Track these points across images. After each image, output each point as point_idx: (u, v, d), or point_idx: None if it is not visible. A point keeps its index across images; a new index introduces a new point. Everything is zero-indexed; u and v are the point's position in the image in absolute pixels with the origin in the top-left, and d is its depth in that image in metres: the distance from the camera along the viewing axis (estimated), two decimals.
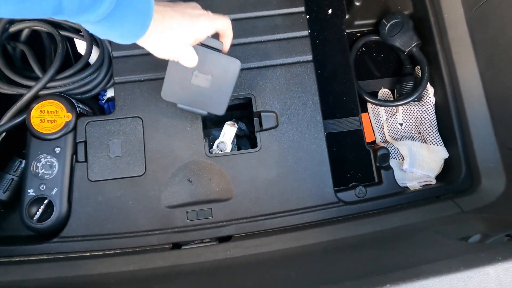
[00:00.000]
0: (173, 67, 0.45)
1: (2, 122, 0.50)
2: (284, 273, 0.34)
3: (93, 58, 0.54)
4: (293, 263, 0.37)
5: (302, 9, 0.53)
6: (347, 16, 0.59)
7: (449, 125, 0.53)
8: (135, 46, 0.50)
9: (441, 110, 0.55)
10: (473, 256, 0.26)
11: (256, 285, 0.34)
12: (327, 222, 0.47)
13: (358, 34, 0.63)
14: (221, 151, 0.52)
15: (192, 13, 0.39)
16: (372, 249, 0.37)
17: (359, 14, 0.59)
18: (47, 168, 0.48)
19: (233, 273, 0.39)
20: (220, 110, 0.46)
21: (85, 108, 0.54)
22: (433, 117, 0.56)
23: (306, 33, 0.53)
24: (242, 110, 0.65)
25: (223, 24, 0.42)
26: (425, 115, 0.56)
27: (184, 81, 0.45)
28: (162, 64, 0.51)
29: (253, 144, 0.61)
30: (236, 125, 0.54)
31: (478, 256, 0.26)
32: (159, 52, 0.39)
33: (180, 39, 0.38)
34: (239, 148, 0.56)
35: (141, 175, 0.48)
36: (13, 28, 0.53)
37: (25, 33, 0.54)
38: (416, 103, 0.57)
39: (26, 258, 0.46)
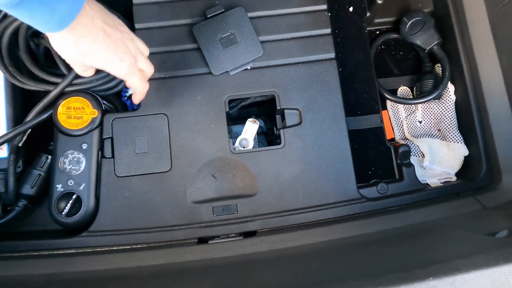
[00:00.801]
0: (203, 45, 0.51)
1: (28, 119, 0.51)
2: (315, 267, 0.35)
3: None
4: (322, 258, 0.38)
5: (324, 7, 0.54)
6: (367, 14, 0.59)
7: (470, 122, 0.53)
8: (160, 43, 0.52)
9: (461, 108, 0.56)
10: (509, 251, 0.27)
11: (287, 278, 0.35)
12: (350, 217, 0.48)
13: (377, 32, 0.63)
14: (243, 147, 0.53)
15: (120, 49, 0.38)
16: (402, 244, 0.38)
17: (379, 12, 0.60)
18: (74, 164, 0.49)
19: (262, 267, 0.40)
20: (259, 50, 0.51)
21: (108, 104, 0.55)
22: (453, 114, 0.56)
23: (328, 31, 0.53)
24: (259, 107, 0.65)
25: (134, 82, 0.42)
26: (446, 113, 0.56)
27: (218, 50, 0.50)
28: (186, 62, 0.52)
29: (270, 141, 0.62)
30: (258, 122, 0.55)
31: None
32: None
33: (84, 58, 0.37)
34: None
35: (167, 171, 0.49)
36: None
37: None
38: (436, 100, 0.58)
39: (56, 252, 0.47)
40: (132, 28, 0.53)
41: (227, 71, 0.51)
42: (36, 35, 0.55)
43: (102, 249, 0.47)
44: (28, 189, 0.50)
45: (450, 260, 0.27)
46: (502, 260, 0.25)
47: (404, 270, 0.27)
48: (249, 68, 0.52)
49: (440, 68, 0.58)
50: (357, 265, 0.32)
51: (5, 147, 0.51)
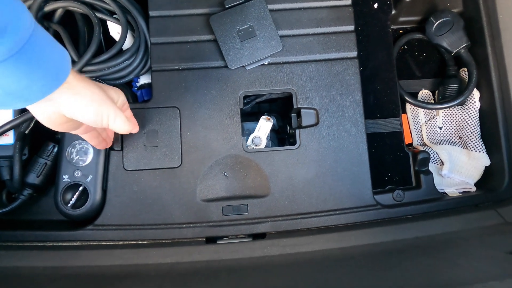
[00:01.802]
0: (220, 37, 0.49)
1: None
2: (330, 277, 0.33)
3: (127, 43, 0.53)
4: (336, 267, 0.36)
5: (348, 2, 0.51)
6: (393, 12, 0.56)
7: (495, 131, 0.51)
8: (174, 32, 0.50)
9: (486, 116, 0.53)
10: None
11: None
12: (364, 224, 0.46)
13: (401, 31, 0.60)
14: (256, 145, 0.51)
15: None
16: (421, 256, 0.36)
17: (405, 10, 0.57)
18: (81, 155, 0.48)
19: (273, 273, 0.39)
20: (278, 45, 0.49)
21: None
22: (477, 122, 0.54)
23: (352, 27, 0.50)
24: (271, 104, 0.63)
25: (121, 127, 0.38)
26: (469, 120, 0.54)
27: (235, 43, 0.48)
28: (201, 54, 0.50)
29: (281, 139, 0.60)
30: (272, 120, 0.53)
31: None
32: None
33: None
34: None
35: (177, 167, 0.47)
36: (48, 7, 0.51)
37: (58, 13, 0.52)
38: (459, 107, 0.55)
39: (60, 244, 0.46)
40: (146, 15, 0.51)
41: (243, 66, 0.49)
42: (46, 18, 0.53)
43: (107, 243, 0.46)
44: (33, 178, 0.49)
45: (472, 284, 0.25)
46: None
47: (426, 286, 0.25)
48: (266, 63, 0.50)
49: (466, 73, 0.56)
50: (375, 279, 0.31)
51: (11, 133, 0.49)
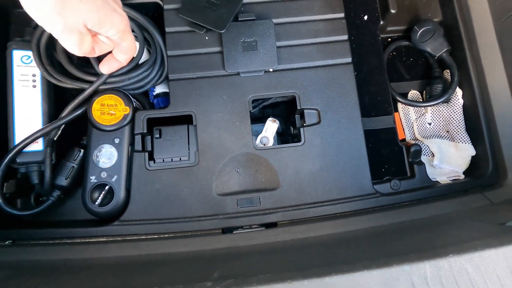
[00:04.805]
0: (225, 42, 0.53)
1: (63, 114, 0.54)
2: (340, 251, 0.38)
3: (142, 57, 0.58)
4: (345, 244, 0.41)
5: (342, 15, 0.58)
6: (381, 22, 0.63)
7: (477, 124, 0.57)
8: (189, 45, 0.56)
9: (469, 111, 0.59)
10: None
11: (313, 258, 0.38)
12: (366, 211, 0.51)
13: (389, 39, 0.67)
14: (264, 144, 0.56)
15: (112, 6, 0.35)
16: (420, 232, 0.41)
17: (392, 20, 0.64)
18: (107, 157, 0.52)
19: (287, 253, 0.43)
20: (274, 63, 0.54)
21: (137, 102, 0.58)
22: (461, 117, 0.60)
23: (345, 37, 0.57)
24: (274, 109, 0.69)
25: (128, 45, 0.40)
26: (454, 115, 0.60)
27: (236, 51, 0.53)
28: (213, 64, 0.55)
29: (285, 141, 0.65)
30: (277, 122, 0.58)
31: None
32: (43, 12, 0.31)
33: (76, 16, 0.33)
34: None
35: (195, 165, 0.52)
36: None
37: None
38: (445, 104, 0.61)
39: (88, 240, 0.49)
40: (162, 31, 0.57)
41: (238, 72, 0.54)
42: None
43: (132, 238, 0.50)
44: (62, 180, 0.53)
45: (467, 242, 0.30)
46: None
47: (425, 250, 0.30)
48: (271, 70, 0.55)
49: (449, 74, 0.62)
50: (381, 249, 0.35)
51: (40, 141, 0.54)
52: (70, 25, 0.35)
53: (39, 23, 0.34)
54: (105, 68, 0.50)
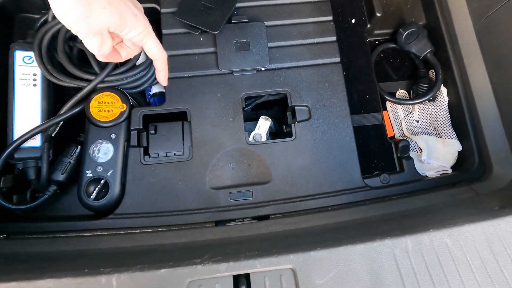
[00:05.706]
0: (219, 43, 0.54)
1: (62, 111, 0.55)
2: (328, 235, 0.39)
3: (139, 58, 0.61)
4: (335, 231, 0.42)
5: (330, 18, 0.61)
6: (368, 26, 0.66)
7: (462, 121, 0.59)
8: (184, 46, 0.58)
9: (454, 108, 0.62)
10: (499, 212, 0.31)
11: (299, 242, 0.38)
12: (356, 204, 0.52)
13: (377, 42, 0.70)
14: (257, 141, 0.58)
15: (133, 11, 0.38)
16: (406, 220, 0.42)
17: (378, 24, 0.67)
18: (103, 152, 0.54)
19: (278, 240, 0.44)
20: (266, 62, 0.55)
21: (134, 101, 0.60)
22: (447, 114, 0.62)
23: (334, 38, 0.60)
24: (267, 110, 0.71)
25: (154, 44, 0.42)
26: (440, 113, 0.62)
27: (230, 51, 0.54)
28: (207, 63, 0.58)
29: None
30: (269, 120, 0.60)
31: (503, 211, 0.31)
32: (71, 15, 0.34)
33: (100, 19, 0.35)
34: None
35: (189, 160, 0.54)
36: None
37: None
38: (431, 102, 0.64)
39: (83, 234, 0.50)
40: (159, 34, 0.60)
41: (232, 71, 0.57)
42: (72, 39, 0.61)
43: (126, 231, 0.50)
44: (58, 175, 0.54)
45: (448, 220, 0.31)
46: (491, 216, 0.30)
47: (409, 229, 0.31)
48: (263, 69, 0.58)
49: (434, 73, 0.65)
50: (369, 231, 0.36)
51: (38, 137, 0.55)
52: (93, 29, 0.38)
53: (66, 26, 0.38)
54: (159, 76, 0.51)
